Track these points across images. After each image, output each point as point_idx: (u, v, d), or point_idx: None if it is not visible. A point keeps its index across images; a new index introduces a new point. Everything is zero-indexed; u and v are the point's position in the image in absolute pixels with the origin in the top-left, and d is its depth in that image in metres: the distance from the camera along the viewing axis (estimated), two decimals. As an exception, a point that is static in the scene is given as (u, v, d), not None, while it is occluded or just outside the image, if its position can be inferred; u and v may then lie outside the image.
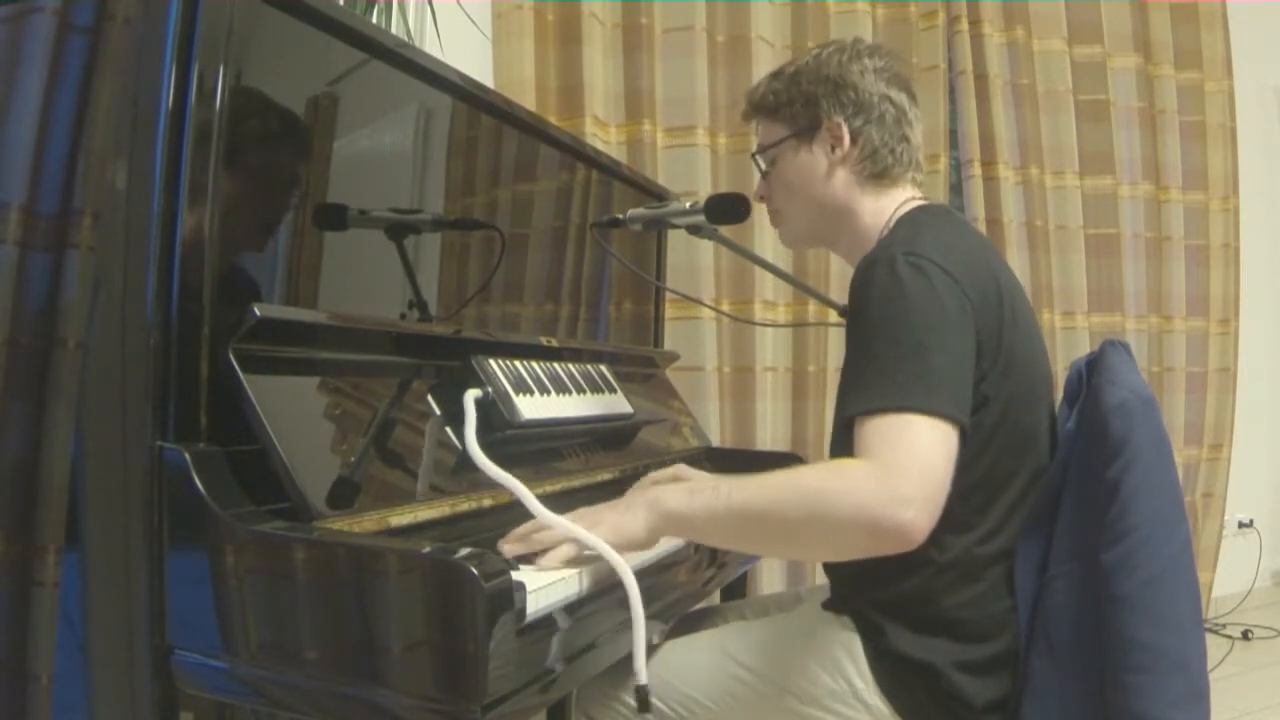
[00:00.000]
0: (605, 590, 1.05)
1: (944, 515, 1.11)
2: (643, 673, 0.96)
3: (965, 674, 1.11)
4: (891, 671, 1.14)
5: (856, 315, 1.10)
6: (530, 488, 1.26)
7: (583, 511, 1.11)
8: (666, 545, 1.26)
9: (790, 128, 1.29)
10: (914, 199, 1.28)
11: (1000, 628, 1.13)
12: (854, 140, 1.25)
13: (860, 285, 1.10)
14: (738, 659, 1.22)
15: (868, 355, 1.06)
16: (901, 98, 1.27)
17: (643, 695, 0.97)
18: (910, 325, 1.05)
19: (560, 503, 1.25)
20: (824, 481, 1.03)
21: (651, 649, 1.27)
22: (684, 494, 1.09)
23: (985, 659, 1.12)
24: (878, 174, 1.26)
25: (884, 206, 1.26)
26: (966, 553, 1.13)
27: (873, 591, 1.17)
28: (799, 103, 1.27)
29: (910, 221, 1.22)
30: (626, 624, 0.98)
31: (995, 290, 1.13)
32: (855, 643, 1.17)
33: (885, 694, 1.14)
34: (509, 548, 1.06)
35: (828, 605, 1.28)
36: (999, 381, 1.11)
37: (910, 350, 1.04)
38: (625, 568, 0.98)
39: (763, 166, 1.34)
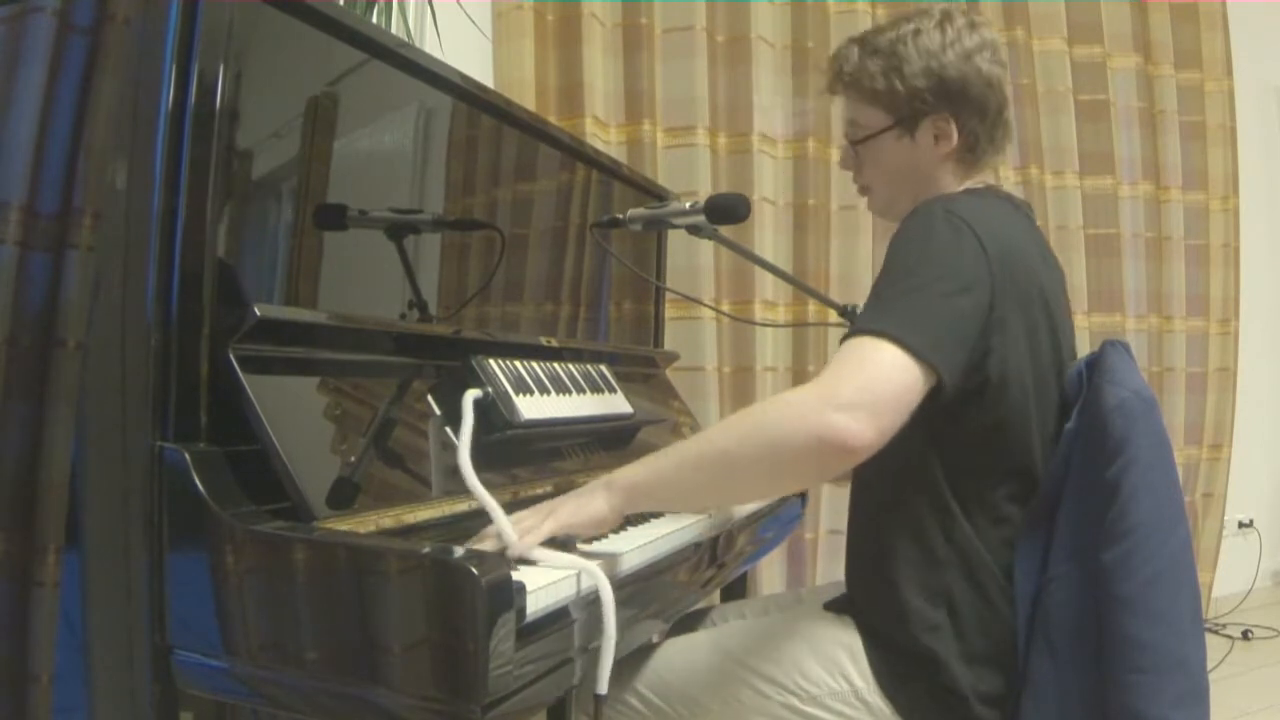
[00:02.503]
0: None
1: (942, 495, 1.12)
2: (604, 683, 0.96)
3: (966, 669, 1.11)
4: (892, 669, 1.14)
5: (887, 256, 1.12)
6: (531, 488, 1.27)
7: (542, 506, 1.09)
8: (666, 544, 1.26)
9: (891, 116, 1.23)
10: (986, 181, 1.28)
11: (1000, 624, 1.13)
12: (960, 133, 1.22)
13: (897, 231, 1.13)
14: (738, 659, 1.22)
15: (878, 287, 1.08)
16: (1001, 75, 1.22)
17: (599, 706, 0.97)
18: (925, 267, 1.06)
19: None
20: (764, 406, 1.06)
21: (651, 648, 1.27)
22: (635, 465, 1.10)
23: (986, 656, 1.12)
24: (973, 161, 1.25)
25: (962, 186, 1.26)
26: (968, 542, 1.13)
27: (883, 566, 1.17)
28: (904, 94, 1.21)
29: (969, 192, 1.23)
30: (626, 625, 0.98)
31: (1024, 277, 1.13)
32: (856, 642, 1.17)
33: (886, 693, 1.14)
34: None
35: (828, 605, 1.28)
36: (1002, 364, 1.10)
37: (914, 287, 1.05)
38: (605, 583, 0.97)
39: (853, 140, 1.29)
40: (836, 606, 1.28)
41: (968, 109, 1.21)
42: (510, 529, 1.01)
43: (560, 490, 1.33)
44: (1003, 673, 1.13)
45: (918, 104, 1.21)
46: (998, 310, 1.09)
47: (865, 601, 1.20)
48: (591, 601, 0.99)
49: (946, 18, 1.21)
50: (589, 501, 1.08)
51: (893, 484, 1.16)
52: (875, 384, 0.99)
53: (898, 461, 1.06)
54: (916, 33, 1.20)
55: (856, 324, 1.05)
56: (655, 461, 1.09)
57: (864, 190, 1.33)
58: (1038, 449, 1.15)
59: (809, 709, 1.16)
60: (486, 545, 1.01)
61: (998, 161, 1.29)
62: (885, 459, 1.01)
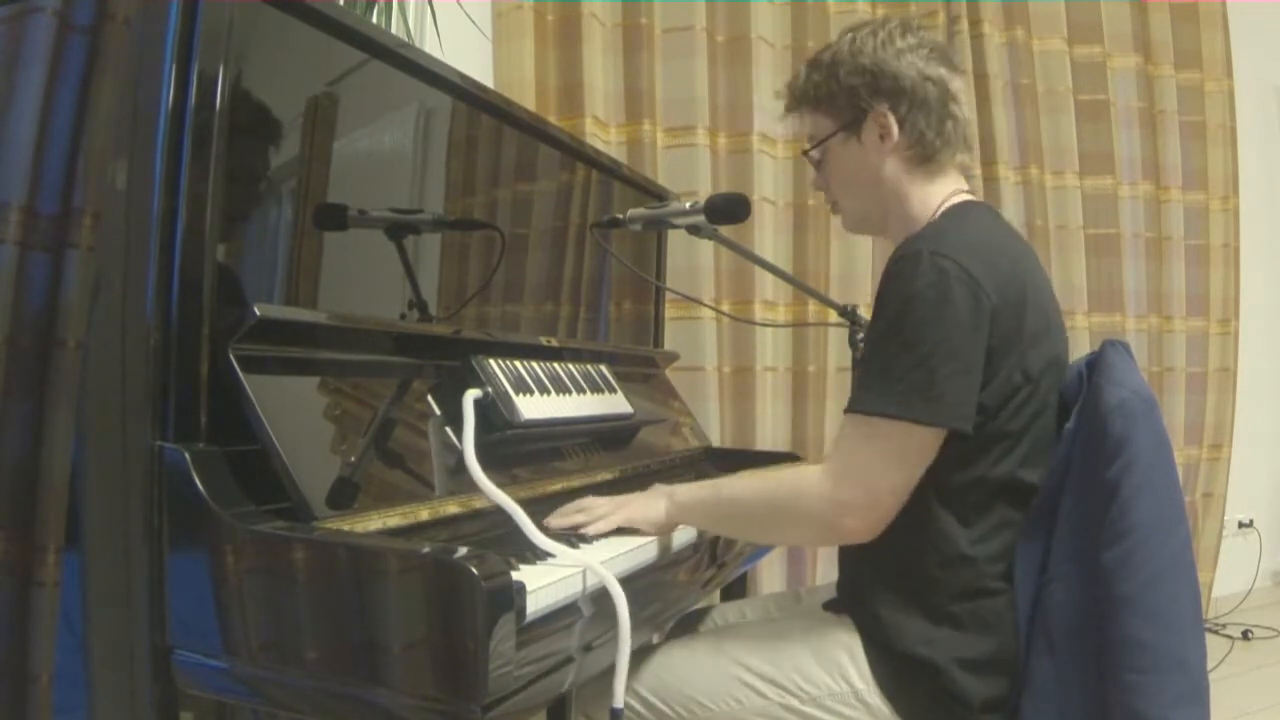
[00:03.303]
0: (605, 591, 1.05)
1: (936, 518, 1.12)
2: (619, 696, 0.98)
3: (966, 672, 1.11)
4: (892, 670, 1.14)
5: (878, 308, 1.13)
6: (531, 488, 1.27)
7: (616, 499, 1.24)
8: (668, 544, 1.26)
9: (836, 121, 1.26)
10: (961, 191, 1.27)
11: (1002, 629, 1.13)
12: (901, 127, 1.23)
13: (887, 277, 1.13)
14: (738, 659, 1.22)
15: (879, 354, 1.10)
16: (941, 72, 1.24)
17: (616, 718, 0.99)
18: (922, 332, 1.07)
19: (561, 503, 1.25)
20: (784, 484, 1.21)
21: (651, 649, 1.27)
22: (692, 487, 1.25)
23: (986, 657, 1.12)
24: (926, 159, 1.24)
25: (932, 195, 1.25)
26: (963, 560, 1.13)
27: (879, 587, 1.17)
28: (842, 96, 1.25)
29: (953, 215, 1.22)
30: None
31: (1019, 296, 1.13)
32: (855, 643, 1.17)
33: (886, 694, 1.14)
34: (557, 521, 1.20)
35: (828, 605, 1.28)
36: (1000, 389, 1.11)
37: (918, 358, 1.06)
38: (620, 594, 0.97)
39: (815, 159, 1.32)
40: (836, 607, 1.28)
41: (904, 102, 1.22)
42: (530, 523, 1.05)
43: (561, 491, 1.33)
44: (1004, 676, 1.13)
45: (857, 101, 1.24)
46: (996, 340, 1.10)
47: (863, 617, 1.20)
48: (593, 600, 0.99)
49: (882, 24, 1.26)
50: (654, 505, 1.24)
51: None
52: (880, 482, 1.09)
53: None
54: (853, 40, 1.26)
55: (863, 398, 1.10)
56: (703, 491, 1.24)
57: (835, 208, 1.35)
58: (1035, 456, 1.15)
59: (809, 710, 1.16)
60: (564, 520, 1.19)
61: (962, 161, 1.28)
62: None
